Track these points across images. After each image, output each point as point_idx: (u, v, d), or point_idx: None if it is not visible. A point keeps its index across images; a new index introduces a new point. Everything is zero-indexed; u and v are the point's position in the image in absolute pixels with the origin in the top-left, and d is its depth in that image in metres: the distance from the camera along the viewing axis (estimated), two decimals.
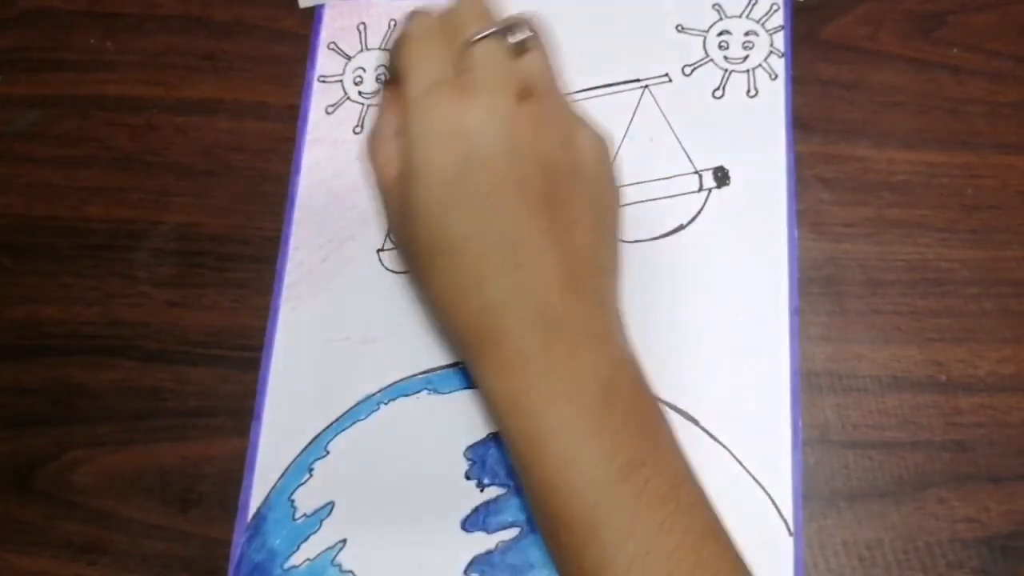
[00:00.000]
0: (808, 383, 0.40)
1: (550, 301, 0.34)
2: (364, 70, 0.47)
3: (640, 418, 0.34)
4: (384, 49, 0.41)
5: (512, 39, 0.36)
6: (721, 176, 0.43)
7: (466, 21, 0.37)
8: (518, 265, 0.34)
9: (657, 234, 0.42)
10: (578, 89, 0.45)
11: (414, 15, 0.38)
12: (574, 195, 0.35)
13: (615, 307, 0.37)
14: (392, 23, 0.47)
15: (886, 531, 0.38)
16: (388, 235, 0.44)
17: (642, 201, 0.43)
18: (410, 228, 0.36)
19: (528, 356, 0.33)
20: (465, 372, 0.41)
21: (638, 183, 0.43)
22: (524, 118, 0.35)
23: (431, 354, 0.41)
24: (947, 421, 0.39)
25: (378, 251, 0.43)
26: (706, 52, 0.45)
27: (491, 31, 0.36)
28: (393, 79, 0.39)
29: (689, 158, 0.43)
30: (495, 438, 0.40)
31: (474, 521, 0.39)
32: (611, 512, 0.31)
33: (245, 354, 0.42)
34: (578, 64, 0.45)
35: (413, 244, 0.36)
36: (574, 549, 0.32)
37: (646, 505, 0.31)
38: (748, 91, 0.44)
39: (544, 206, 0.34)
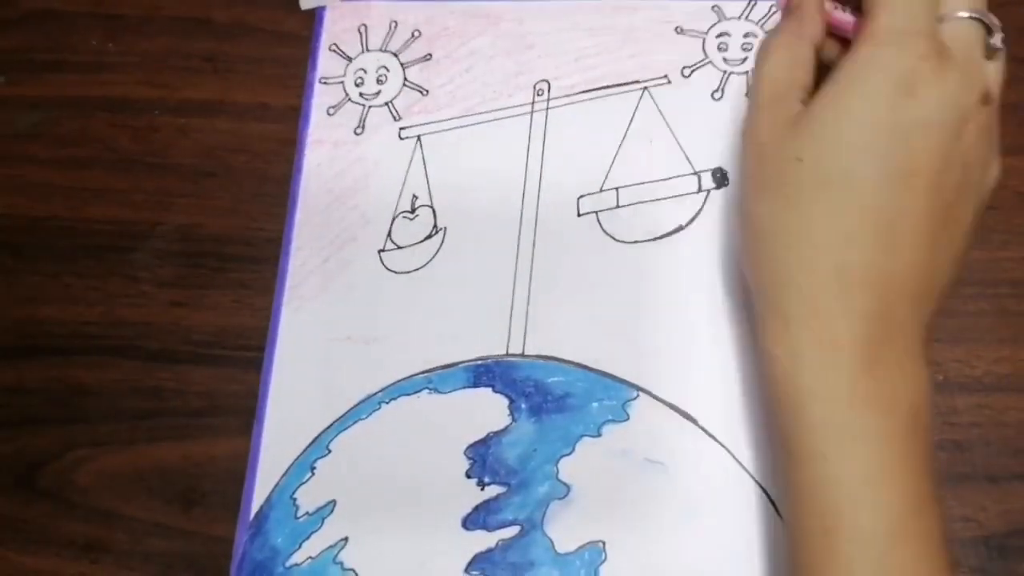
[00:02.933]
0: None
1: (898, 302, 0.32)
2: (365, 71, 0.47)
3: (930, 453, 0.32)
4: None
5: (993, 40, 0.34)
6: (720, 177, 0.43)
7: None
8: (889, 249, 0.32)
9: (657, 234, 0.42)
10: (578, 91, 0.45)
11: None
12: (966, 219, 0.34)
13: (931, 333, 0.34)
14: (393, 24, 0.47)
15: None
16: (389, 236, 0.44)
17: (642, 202, 0.43)
18: (805, 145, 0.33)
19: (856, 346, 0.31)
20: (466, 371, 0.41)
21: (638, 184, 0.43)
22: (975, 121, 0.33)
23: (432, 353, 0.42)
24: (944, 421, 0.39)
25: (379, 252, 0.44)
26: (705, 54, 0.45)
27: (982, 19, 0.33)
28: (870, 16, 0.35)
29: (688, 159, 0.44)
30: (496, 437, 0.40)
31: (475, 520, 0.39)
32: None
33: (247, 354, 0.43)
34: (578, 66, 0.46)
35: (801, 164, 0.33)
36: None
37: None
38: (747, 93, 0.44)
39: (941, 213, 0.32)
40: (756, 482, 0.39)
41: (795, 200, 0.33)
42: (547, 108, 0.45)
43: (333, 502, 0.40)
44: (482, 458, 0.40)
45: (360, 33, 0.48)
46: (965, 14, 0.33)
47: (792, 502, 0.32)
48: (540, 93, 0.45)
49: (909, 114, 0.32)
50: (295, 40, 0.48)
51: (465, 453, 0.40)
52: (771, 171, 0.34)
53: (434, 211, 0.44)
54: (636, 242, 0.42)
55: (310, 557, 0.39)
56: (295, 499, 0.40)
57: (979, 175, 0.34)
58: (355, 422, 0.41)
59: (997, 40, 0.34)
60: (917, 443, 0.31)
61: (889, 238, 0.32)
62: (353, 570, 0.39)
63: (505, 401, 0.40)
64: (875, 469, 0.31)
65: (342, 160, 0.45)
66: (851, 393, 0.31)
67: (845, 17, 0.35)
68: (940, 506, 0.32)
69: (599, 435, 0.40)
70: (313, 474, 0.40)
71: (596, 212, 0.43)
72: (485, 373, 0.41)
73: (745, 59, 0.45)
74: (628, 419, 0.40)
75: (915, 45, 0.32)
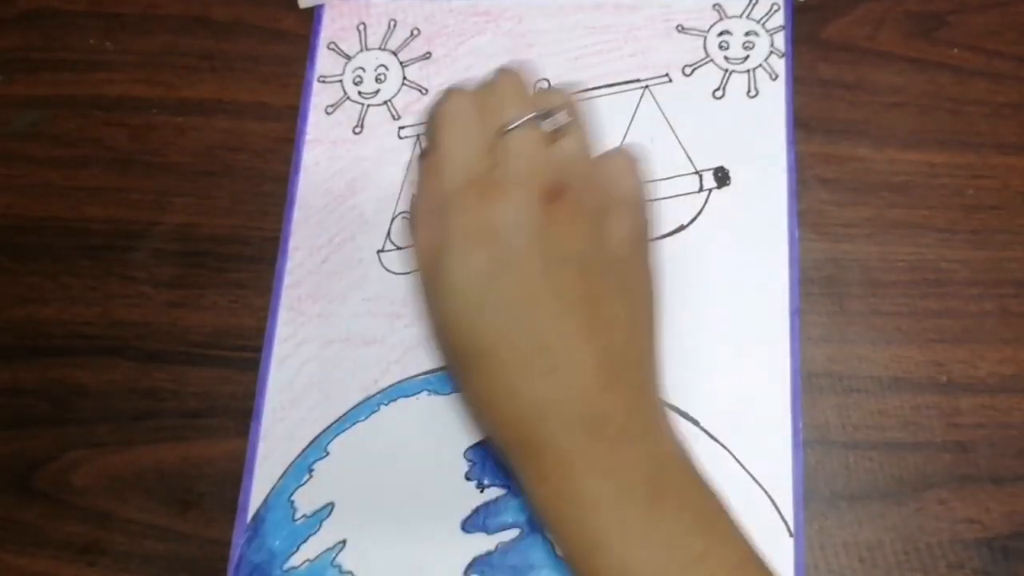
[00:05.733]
0: (809, 384, 0.40)
1: (588, 401, 0.32)
2: (364, 70, 0.47)
3: (695, 510, 0.32)
4: (422, 123, 0.39)
5: (547, 126, 0.35)
6: (721, 176, 0.43)
7: (503, 102, 0.35)
8: (553, 368, 0.32)
9: (657, 234, 0.42)
10: (579, 89, 0.45)
11: (450, 93, 0.36)
12: (610, 291, 0.33)
13: (656, 398, 0.35)
14: (392, 23, 0.47)
15: (887, 532, 0.38)
16: (388, 237, 0.44)
17: None
18: (444, 327, 0.34)
19: (571, 459, 0.32)
20: None
21: None
22: (555, 216, 0.33)
23: (431, 355, 0.41)
24: (948, 422, 0.39)
25: (378, 252, 0.43)
26: (706, 52, 0.45)
27: (525, 119, 0.34)
28: (429, 150, 0.37)
29: (689, 158, 0.43)
30: None
31: (474, 522, 0.39)
32: None
33: (245, 355, 0.42)
34: (579, 64, 0.45)
35: (449, 345, 0.34)
36: None
37: None
38: (748, 91, 0.44)
39: (579, 305, 0.33)
40: (757, 483, 0.38)
41: (459, 381, 0.36)
42: None
43: (331, 504, 0.40)
44: (481, 460, 0.40)
45: (359, 31, 0.47)
46: (511, 125, 0.34)
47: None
48: None
49: (492, 258, 0.33)
50: (293, 38, 0.47)
51: (464, 455, 0.40)
52: (445, 350, 0.37)
53: None
54: None
55: (308, 560, 0.39)
56: (293, 501, 0.40)
57: (595, 251, 0.34)
58: (353, 424, 0.41)
59: (555, 121, 0.35)
60: (663, 518, 0.31)
61: (542, 364, 0.32)
62: (351, 573, 0.39)
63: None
64: (623, 567, 0.31)
65: (341, 159, 0.45)
66: (579, 508, 0.32)
67: None
68: (725, 551, 0.32)
69: None
70: (311, 476, 0.40)
71: None
72: None
73: (747, 57, 0.45)
74: None
75: (468, 197, 0.33)
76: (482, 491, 0.39)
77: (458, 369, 0.35)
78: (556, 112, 0.35)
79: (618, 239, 0.34)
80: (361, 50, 0.47)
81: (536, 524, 0.39)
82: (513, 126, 0.34)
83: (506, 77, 0.36)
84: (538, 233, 0.33)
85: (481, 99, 0.36)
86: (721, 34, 0.45)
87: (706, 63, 0.45)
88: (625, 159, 0.36)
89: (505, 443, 0.34)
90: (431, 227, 0.35)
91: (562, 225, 0.33)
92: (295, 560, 0.39)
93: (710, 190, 0.43)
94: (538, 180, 0.33)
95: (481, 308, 0.32)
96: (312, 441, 0.41)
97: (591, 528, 0.31)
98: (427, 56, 0.47)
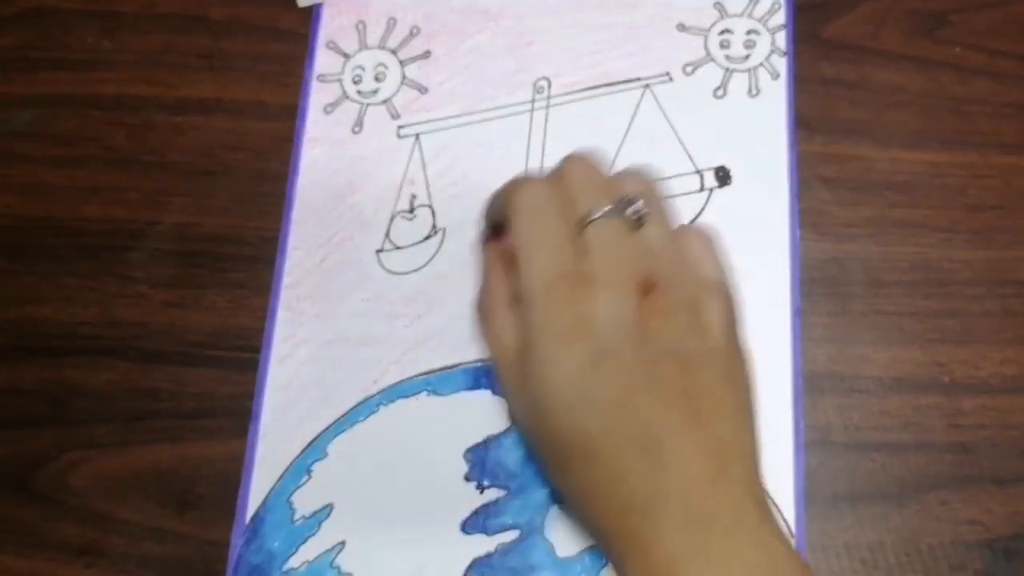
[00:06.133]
0: (810, 384, 0.40)
1: (699, 497, 0.31)
2: (363, 69, 0.46)
3: None
4: (488, 207, 0.39)
5: (630, 214, 0.34)
6: (722, 176, 0.43)
7: (578, 192, 0.35)
8: (660, 464, 0.31)
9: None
10: (579, 88, 0.45)
11: (524, 183, 0.36)
12: (712, 381, 0.33)
13: (762, 489, 0.33)
14: (391, 21, 0.47)
15: (888, 533, 0.38)
16: (387, 237, 0.43)
17: None
18: (538, 423, 0.34)
19: (682, 558, 0.31)
20: (465, 374, 0.41)
21: None
22: (651, 309, 0.33)
23: (431, 355, 0.41)
24: (949, 423, 0.39)
25: (377, 252, 0.43)
26: (707, 51, 0.45)
27: (607, 209, 0.34)
28: (495, 233, 0.38)
29: (690, 158, 0.43)
30: (495, 440, 0.40)
31: (474, 523, 0.39)
32: None
33: (243, 355, 0.42)
34: (579, 63, 0.45)
35: (543, 440, 0.34)
36: None
37: None
38: (750, 90, 0.44)
39: (681, 398, 0.32)
40: None
41: (554, 472, 0.35)
42: (547, 106, 0.45)
43: (330, 505, 0.40)
44: (481, 461, 0.40)
45: (358, 30, 0.47)
46: (593, 216, 0.34)
47: None
48: (540, 91, 0.45)
49: (588, 354, 0.32)
50: (292, 37, 0.47)
51: (464, 456, 0.40)
52: (532, 446, 0.36)
53: (433, 211, 0.44)
54: None
55: (307, 561, 0.39)
56: (292, 502, 0.40)
57: (692, 343, 0.33)
58: (353, 424, 0.41)
59: (636, 210, 0.34)
60: None
61: (647, 460, 0.32)
62: (350, 574, 0.39)
63: (505, 403, 0.40)
64: None
65: (340, 159, 0.45)
66: None
67: None
68: None
69: None
70: (310, 477, 0.40)
71: None
72: (484, 375, 0.41)
73: (748, 56, 0.45)
74: None
75: (557, 293, 0.33)
76: (482, 492, 0.39)
77: (557, 464, 0.34)
78: (635, 199, 0.35)
79: (715, 327, 0.34)
80: (360, 49, 0.47)
81: (536, 526, 0.38)
82: (595, 217, 0.34)
83: (578, 164, 0.36)
84: (635, 327, 0.32)
85: (554, 187, 0.35)
86: (722, 33, 0.45)
87: (707, 62, 0.45)
88: (703, 239, 0.36)
89: (606, 535, 0.33)
90: (509, 321, 0.35)
91: (658, 318, 0.33)
92: (294, 561, 0.39)
93: (711, 190, 0.43)
94: (630, 273, 0.33)
95: (580, 405, 0.32)
96: (311, 442, 0.41)
97: None
98: (426, 55, 0.46)
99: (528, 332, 0.33)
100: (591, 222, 0.34)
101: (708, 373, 0.33)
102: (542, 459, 0.36)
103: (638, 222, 0.35)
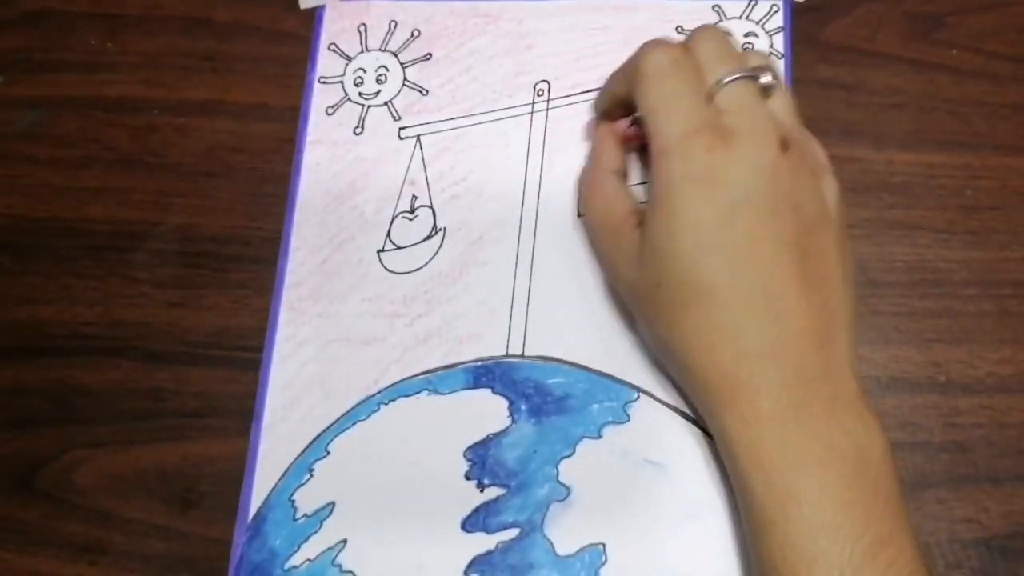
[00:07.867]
0: None
1: (807, 358, 0.33)
2: (364, 71, 0.47)
3: (888, 492, 0.32)
4: (604, 88, 0.41)
5: (763, 82, 0.36)
6: None
7: (711, 59, 0.36)
8: (778, 318, 0.33)
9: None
10: (579, 91, 0.45)
11: (652, 48, 0.37)
12: (827, 247, 0.35)
13: (857, 364, 0.35)
14: (393, 24, 0.47)
15: None
16: (388, 237, 0.44)
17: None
18: (656, 271, 0.35)
19: (783, 413, 0.32)
20: (465, 373, 0.41)
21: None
22: (784, 168, 0.34)
23: (431, 355, 0.41)
24: (946, 422, 0.39)
25: (378, 252, 0.43)
26: None
27: (743, 73, 0.36)
28: (608, 113, 0.39)
29: None
30: (495, 439, 0.40)
31: (474, 522, 0.39)
32: None
33: (245, 355, 0.42)
34: (579, 65, 0.45)
35: (660, 288, 0.35)
36: None
37: None
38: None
39: (800, 258, 0.34)
40: None
41: (669, 320, 0.35)
42: (547, 108, 0.45)
43: (332, 504, 0.40)
44: (482, 460, 0.40)
45: (359, 33, 0.48)
46: (728, 79, 0.35)
47: (757, 573, 0.33)
48: (540, 93, 0.45)
49: (725, 202, 0.34)
50: (294, 39, 0.48)
51: (464, 455, 0.40)
52: (641, 300, 0.37)
53: (434, 211, 0.44)
54: None
55: (308, 559, 0.39)
56: (293, 501, 0.40)
57: (815, 206, 0.35)
58: (354, 423, 0.41)
59: (767, 80, 0.36)
60: (864, 489, 0.32)
61: (767, 311, 0.33)
62: (352, 572, 0.39)
63: (505, 402, 0.40)
64: (817, 525, 0.31)
65: (341, 160, 0.45)
66: (783, 458, 0.32)
67: (638, 131, 0.38)
68: (905, 540, 0.31)
69: (599, 436, 0.39)
70: (312, 476, 0.40)
71: None
72: (485, 374, 0.41)
73: None
74: (629, 420, 0.40)
75: (697, 143, 0.34)
76: (482, 491, 0.39)
77: (672, 309, 0.35)
78: (766, 71, 0.36)
79: (831, 197, 0.36)
80: (362, 51, 0.47)
81: (536, 524, 0.39)
82: (729, 80, 0.35)
83: (708, 34, 0.37)
84: (770, 184, 0.34)
85: (686, 53, 0.37)
86: None
87: None
88: (810, 135, 0.38)
89: (705, 382, 0.34)
90: (617, 189, 0.38)
91: (789, 178, 0.34)
92: (296, 560, 0.39)
93: None
94: (769, 132, 0.35)
95: (714, 250, 0.33)
96: (313, 441, 0.41)
97: (791, 483, 0.32)
98: (427, 57, 0.47)
99: (664, 180, 0.35)
100: (726, 84, 0.35)
101: (824, 238, 0.35)
102: (652, 308, 0.36)
103: (766, 93, 0.36)
